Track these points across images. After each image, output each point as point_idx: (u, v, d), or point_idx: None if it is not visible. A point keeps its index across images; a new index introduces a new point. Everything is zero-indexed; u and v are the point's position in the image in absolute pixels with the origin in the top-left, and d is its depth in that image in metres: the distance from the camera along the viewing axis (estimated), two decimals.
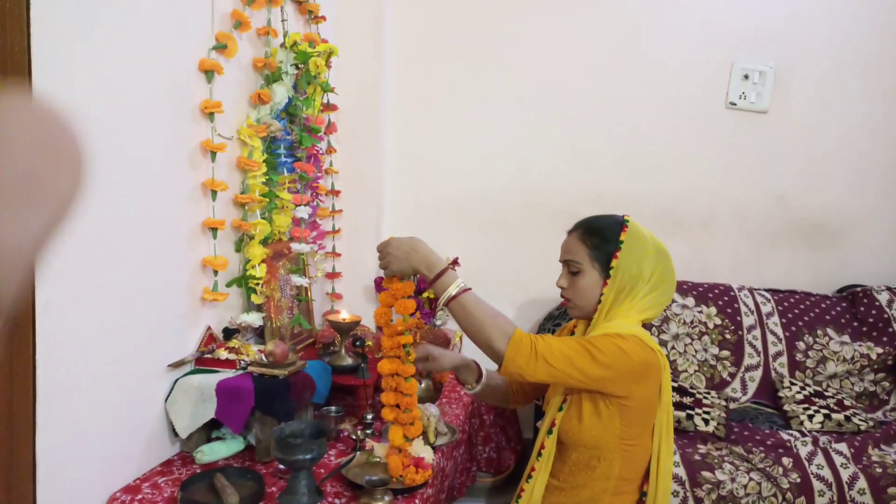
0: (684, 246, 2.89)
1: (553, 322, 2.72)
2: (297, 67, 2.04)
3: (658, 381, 1.39)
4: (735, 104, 2.81)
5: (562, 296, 1.49)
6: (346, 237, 2.67)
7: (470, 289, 1.38)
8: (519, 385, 1.63)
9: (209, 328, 1.81)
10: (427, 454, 1.68)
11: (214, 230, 1.78)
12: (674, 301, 2.67)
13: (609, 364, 1.30)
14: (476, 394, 1.60)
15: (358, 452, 1.73)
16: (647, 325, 2.65)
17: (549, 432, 1.41)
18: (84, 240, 1.38)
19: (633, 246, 1.40)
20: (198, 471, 1.62)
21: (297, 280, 2.07)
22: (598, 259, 1.41)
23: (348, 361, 2.05)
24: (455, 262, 2.70)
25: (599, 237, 1.42)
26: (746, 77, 2.79)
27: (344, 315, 2.12)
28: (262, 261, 1.91)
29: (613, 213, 1.50)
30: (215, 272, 1.79)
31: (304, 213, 2.03)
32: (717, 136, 2.85)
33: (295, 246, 2.03)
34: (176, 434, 1.69)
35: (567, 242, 1.47)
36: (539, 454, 1.43)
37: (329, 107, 2.40)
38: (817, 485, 1.99)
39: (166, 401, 1.68)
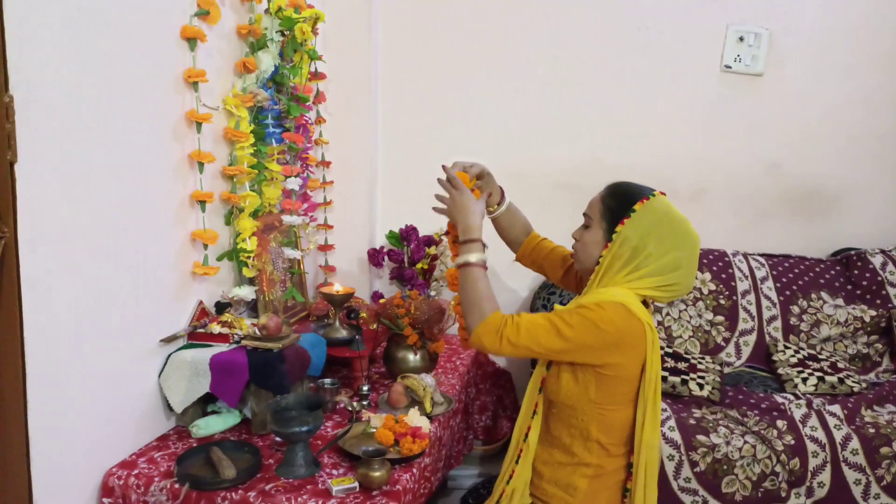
0: None
1: (548, 290, 2.71)
2: (283, 34, 1.99)
3: (641, 352, 1.38)
4: (730, 67, 2.77)
5: (572, 247, 1.53)
6: (337, 209, 2.64)
7: (484, 267, 1.44)
8: (532, 250, 1.73)
9: (201, 303, 1.79)
10: (424, 424, 1.69)
11: (203, 203, 1.74)
12: None
13: (572, 338, 1.34)
14: (497, 217, 1.70)
15: (354, 423, 1.73)
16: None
17: (540, 391, 1.47)
18: (69, 216, 1.35)
19: (643, 219, 1.40)
20: (194, 445, 1.62)
21: (290, 253, 2.04)
22: (608, 220, 1.43)
23: (343, 333, 2.04)
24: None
25: (617, 200, 1.44)
26: (741, 39, 2.74)
27: (337, 287, 2.10)
28: (253, 234, 1.88)
29: (613, 182, 1.52)
30: (205, 246, 1.77)
31: (294, 184, 2.00)
32: (712, 102, 2.81)
33: (286, 218, 2.01)
34: (171, 409, 1.69)
35: (592, 198, 1.50)
36: (534, 413, 1.47)
37: (317, 75, 2.35)
38: (811, 446, 2.01)
39: (160, 376, 1.67)
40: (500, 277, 2.80)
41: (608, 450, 1.42)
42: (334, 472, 1.53)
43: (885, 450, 2.00)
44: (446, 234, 1.84)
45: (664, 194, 1.48)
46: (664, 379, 2.26)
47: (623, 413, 1.42)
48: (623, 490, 1.46)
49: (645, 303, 1.44)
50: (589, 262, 1.46)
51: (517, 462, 1.48)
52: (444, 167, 1.55)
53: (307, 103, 2.17)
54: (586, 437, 1.41)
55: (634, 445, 1.42)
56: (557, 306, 1.41)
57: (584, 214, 1.49)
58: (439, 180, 1.54)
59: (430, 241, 2.65)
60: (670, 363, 2.34)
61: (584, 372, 1.38)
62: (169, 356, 1.68)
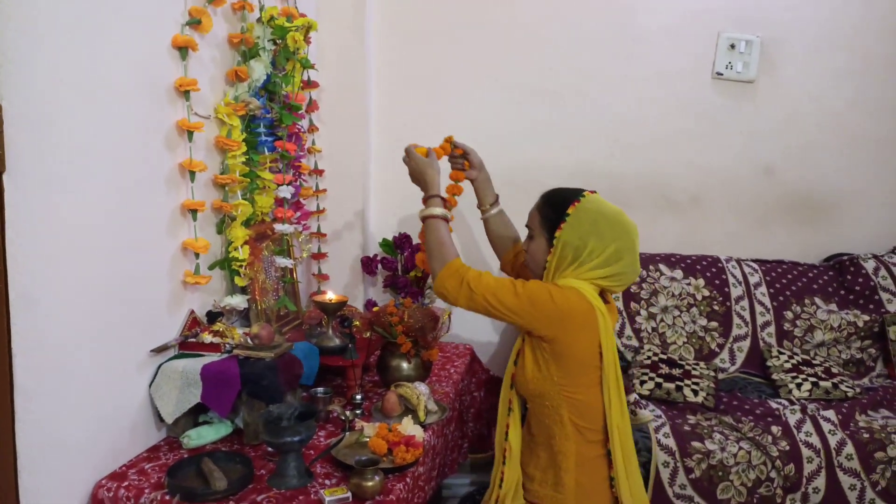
0: (674, 221, 2.89)
1: None
2: (275, 43, 1.99)
3: (594, 335, 1.47)
4: (721, 74, 2.78)
5: (525, 257, 1.65)
6: (331, 217, 2.64)
7: (445, 219, 1.63)
8: (514, 257, 1.82)
9: (192, 312, 1.78)
10: (417, 432, 1.68)
11: (194, 212, 1.74)
12: (662, 274, 2.67)
13: (526, 298, 1.44)
14: (487, 219, 1.86)
15: (347, 433, 1.72)
16: (632, 298, 2.64)
17: (511, 387, 1.58)
18: (59, 226, 1.34)
19: (578, 221, 1.49)
20: (185, 456, 1.60)
21: (281, 261, 2.04)
22: (547, 228, 1.54)
23: (336, 342, 2.03)
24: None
25: (552, 208, 1.55)
26: (733, 47, 2.76)
27: (330, 296, 2.09)
28: (245, 242, 1.87)
29: (547, 190, 1.62)
30: (196, 255, 1.76)
31: (286, 192, 2.00)
32: (704, 109, 2.82)
33: (278, 227, 2.00)
34: (162, 419, 1.67)
35: (531, 209, 1.61)
36: (510, 410, 1.57)
37: (310, 84, 2.35)
38: (806, 452, 2.01)
39: (150, 386, 1.65)
40: None
41: (584, 434, 1.49)
42: (327, 482, 1.51)
43: (879, 455, 2.00)
44: None
45: (595, 192, 1.57)
46: (658, 385, 2.26)
47: (590, 395, 1.49)
48: (610, 482, 1.51)
49: (604, 297, 1.53)
50: (538, 268, 1.57)
51: (504, 464, 1.55)
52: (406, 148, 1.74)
53: (299, 112, 2.17)
54: (560, 421, 1.48)
55: (608, 430, 1.49)
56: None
57: (527, 226, 1.61)
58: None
59: None
60: (665, 369, 2.33)
61: (542, 352, 1.47)
62: (160, 366, 1.67)
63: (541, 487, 1.51)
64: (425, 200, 1.66)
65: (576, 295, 1.45)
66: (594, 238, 1.47)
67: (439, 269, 1.53)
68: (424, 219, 1.64)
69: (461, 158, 1.85)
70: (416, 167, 1.71)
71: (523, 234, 1.72)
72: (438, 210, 1.63)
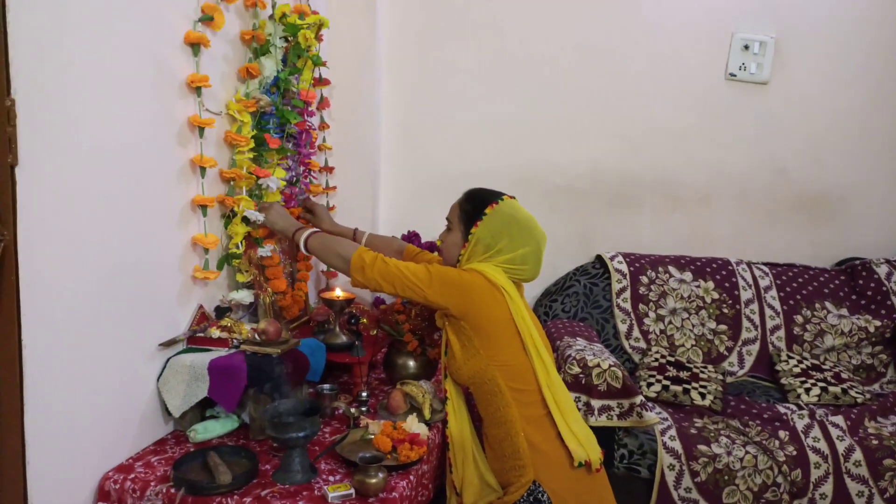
0: (684, 220, 2.87)
1: (550, 298, 2.70)
2: (287, 40, 1.99)
3: (502, 310, 1.59)
4: (735, 75, 2.76)
5: (438, 248, 1.78)
6: (340, 214, 2.64)
7: (312, 233, 1.78)
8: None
9: (201, 307, 1.80)
10: (422, 430, 1.68)
11: (204, 207, 1.75)
12: (671, 276, 2.65)
13: (435, 271, 1.58)
14: None
15: (352, 429, 1.73)
16: (641, 299, 2.62)
17: (446, 377, 1.68)
18: (69, 220, 1.36)
19: (493, 221, 1.63)
20: (191, 449, 1.62)
21: (262, 251, 1.94)
22: (465, 223, 1.66)
23: (343, 339, 2.04)
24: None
25: (472, 205, 1.67)
26: (746, 48, 2.74)
27: (338, 293, 2.10)
28: (244, 238, 1.87)
29: (470, 188, 1.72)
30: (206, 250, 1.77)
31: (273, 183, 1.91)
32: (717, 109, 2.80)
33: (249, 213, 1.85)
34: (170, 413, 1.68)
35: (453, 203, 1.72)
36: (446, 399, 1.67)
37: (321, 81, 2.35)
38: (813, 457, 1.99)
39: (158, 380, 1.67)
40: None
41: (522, 397, 1.57)
42: (331, 478, 1.52)
43: (888, 462, 1.98)
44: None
45: (514, 198, 1.70)
46: (666, 388, 2.25)
47: (518, 359, 1.59)
48: (560, 438, 1.58)
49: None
50: (451, 259, 1.70)
51: (448, 449, 1.64)
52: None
53: (308, 108, 2.17)
54: (500, 391, 1.56)
55: (543, 392, 1.58)
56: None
57: (447, 219, 1.72)
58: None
59: (432, 246, 2.65)
60: (672, 372, 2.32)
61: (463, 332, 1.59)
62: (168, 360, 1.68)
63: (506, 464, 1.57)
64: (295, 234, 1.80)
65: (478, 276, 1.59)
66: (506, 239, 1.61)
67: (352, 252, 1.64)
68: (307, 240, 1.76)
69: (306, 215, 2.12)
70: (278, 213, 1.86)
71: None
72: (307, 231, 1.78)
